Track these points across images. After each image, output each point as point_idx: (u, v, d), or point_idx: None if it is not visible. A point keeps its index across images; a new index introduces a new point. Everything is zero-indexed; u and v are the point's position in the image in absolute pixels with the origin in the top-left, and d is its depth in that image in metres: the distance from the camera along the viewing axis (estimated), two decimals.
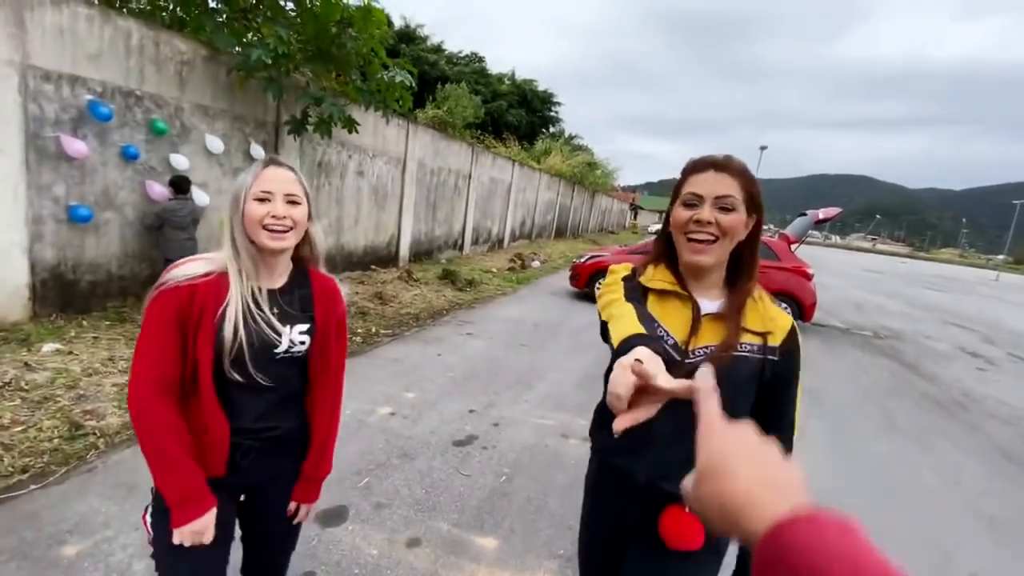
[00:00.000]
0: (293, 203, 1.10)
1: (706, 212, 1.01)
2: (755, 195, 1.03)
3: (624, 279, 1.15)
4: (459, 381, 4.14)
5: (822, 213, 7.53)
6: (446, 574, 2.01)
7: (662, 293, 1.10)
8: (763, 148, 31.22)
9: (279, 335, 1.11)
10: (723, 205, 1.01)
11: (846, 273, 22.56)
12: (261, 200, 1.07)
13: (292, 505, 1.27)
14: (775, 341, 1.06)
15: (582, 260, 8.72)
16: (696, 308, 1.07)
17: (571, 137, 33.85)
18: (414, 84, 6.11)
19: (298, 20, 5.65)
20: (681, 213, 1.05)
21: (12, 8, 3.66)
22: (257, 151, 5.75)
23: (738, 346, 1.03)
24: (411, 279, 7.94)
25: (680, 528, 1.04)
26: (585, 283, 8.42)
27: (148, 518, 1.12)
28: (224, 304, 1.05)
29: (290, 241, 1.11)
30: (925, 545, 2.62)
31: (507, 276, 9.86)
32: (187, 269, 1.05)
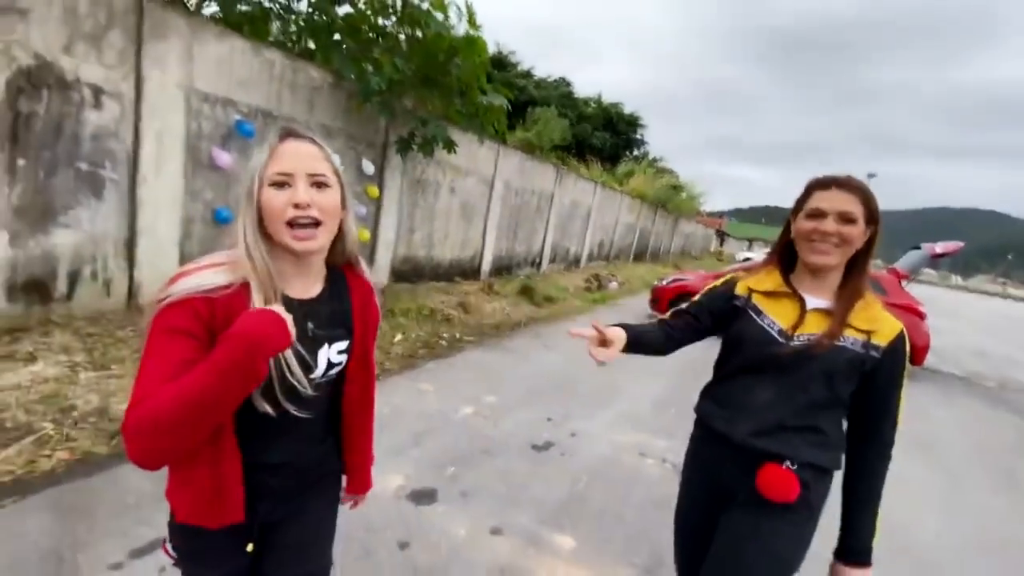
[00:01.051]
0: (320, 185, 0.86)
1: (830, 225, 1.17)
2: (873, 209, 1.19)
3: (724, 282, 1.41)
4: (537, 391, 4.27)
5: (940, 247, 6.89)
6: (526, 564, 2.12)
7: (770, 294, 1.29)
8: (871, 176, 28.91)
9: (315, 359, 0.93)
10: (845, 218, 1.16)
11: (969, 317, 20.09)
12: (279, 185, 0.83)
13: (345, 497, 1.22)
14: (879, 340, 1.17)
15: (664, 283, 8.58)
16: (803, 303, 1.24)
17: (655, 160, 33.35)
18: (509, 108, 6.46)
19: (410, 49, 6.22)
20: (805, 224, 1.21)
21: (185, 41, 4.39)
22: (368, 167, 6.34)
23: (840, 337, 1.17)
24: (491, 292, 8.24)
25: (777, 480, 1.17)
26: (666, 307, 8.26)
27: (168, 546, 1.01)
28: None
29: (321, 240, 0.88)
30: None
31: (584, 296, 9.91)
32: (201, 279, 0.81)
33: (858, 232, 1.17)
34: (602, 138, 30.66)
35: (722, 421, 1.30)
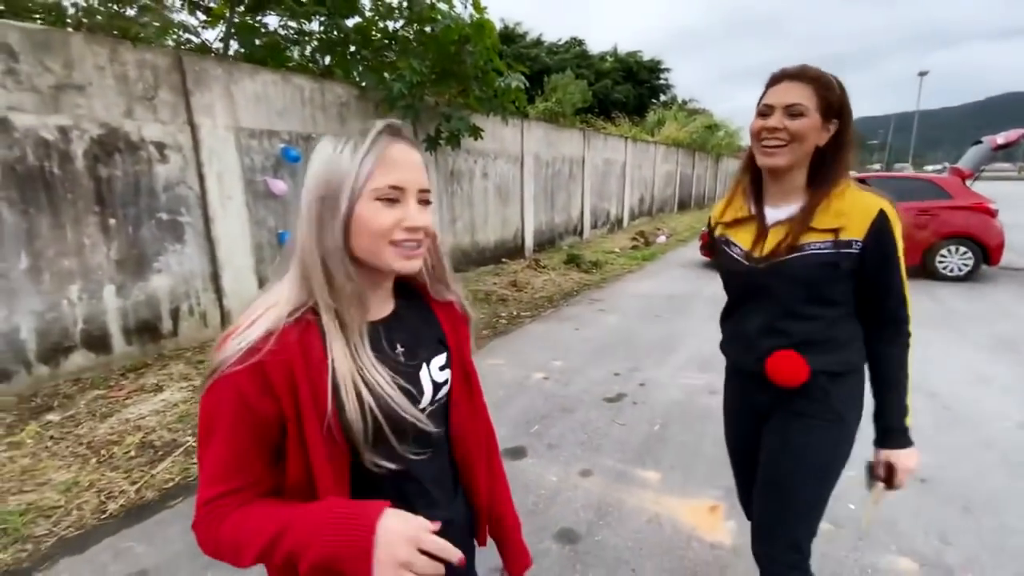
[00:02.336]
0: (426, 203, 0.73)
1: (774, 119, 1.11)
2: (831, 100, 1.10)
3: (707, 228, 1.43)
4: (600, 350, 4.46)
5: (1001, 138, 6.42)
6: (618, 496, 2.35)
7: (734, 223, 1.29)
8: (922, 74, 26.61)
9: (419, 385, 0.76)
10: (792, 112, 1.10)
11: None
12: (390, 201, 0.68)
13: None
14: (851, 235, 1.11)
15: None
16: (760, 221, 1.22)
17: (685, 102, 32.01)
18: (527, 84, 6.52)
19: (422, 47, 6.39)
20: (755, 123, 1.17)
21: (223, 85, 4.77)
22: None
23: (803, 246, 1.13)
24: (539, 267, 8.43)
25: (783, 364, 1.18)
26: None
27: None
28: (328, 371, 0.66)
29: (421, 259, 0.75)
30: None
31: (631, 254, 9.91)
32: (245, 339, 0.66)
33: (810, 125, 1.09)
34: (625, 91, 29.72)
35: (734, 355, 1.36)
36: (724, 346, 1.40)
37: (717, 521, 2.16)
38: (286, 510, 0.65)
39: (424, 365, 0.78)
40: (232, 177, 4.88)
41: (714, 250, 1.38)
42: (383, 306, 0.78)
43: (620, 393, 3.51)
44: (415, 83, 5.54)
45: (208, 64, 4.66)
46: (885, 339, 1.19)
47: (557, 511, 2.26)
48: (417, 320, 0.82)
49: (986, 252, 6.45)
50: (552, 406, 3.33)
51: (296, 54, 7.50)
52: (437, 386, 0.79)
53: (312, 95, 5.55)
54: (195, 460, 2.84)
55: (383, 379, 0.69)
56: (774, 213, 1.21)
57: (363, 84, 5.91)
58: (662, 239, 11.71)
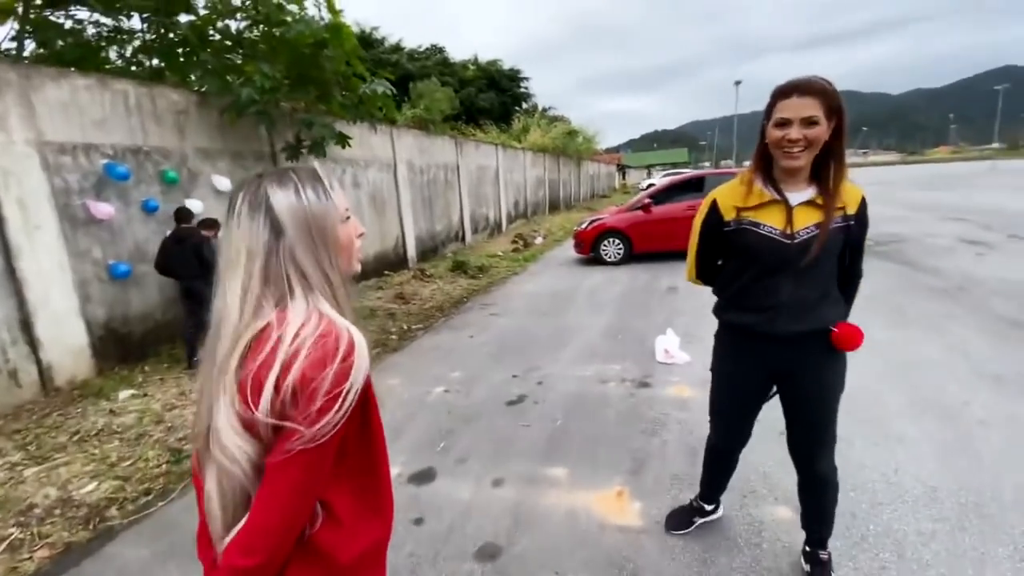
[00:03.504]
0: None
1: (795, 132, 1.35)
2: (833, 105, 1.35)
3: (707, 212, 1.63)
4: (496, 355, 4.47)
5: None
6: (533, 499, 2.35)
7: (758, 207, 1.51)
8: (738, 83, 31.04)
9: None
10: (809, 122, 1.34)
11: None
12: (346, 220, 0.85)
13: None
14: (851, 210, 1.46)
15: (583, 227, 8.98)
16: (787, 204, 1.47)
17: (545, 110, 33.78)
18: (394, 91, 6.34)
19: (272, 51, 5.88)
20: (775, 133, 1.40)
21: (19, 92, 3.92)
22: None
23: (830, 222, 1.43)
24: (425, 276, 8.26)
25: (848, 335, 1.50)
26: (591, 248, 8.69)
27: None
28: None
29: None
30: (938, 404, 2.94)
31: (513, 257, 10.15)
32: (364, 354, 0.76)
33: (822, 131, 1.35)
34: (489, 99, 30.50)
35: (764, 323, 1.56)
36: (746, 319, 1.61)
37: (624, 505, 2.26)
38: None
39: None
40: (39, 202, 4.03)
41: (724, 241, 1.61)
42: None
43: (521, 395, 3.54)
44: (266, 88, 5.07)
45: None
46: (855, 282, 1.62)
47: (474, 528, 2.19)
48: None
49: None
50: (456, 419, 3.25)
51: (114, 55, 6.47)
52: None
53: (140, 102, 4.80)
54: (24, 556, 2.28)
55: None
56: (794, 197, 1.46)
57: (203, 90, 5.26)
58: (539, 240, 12.19)
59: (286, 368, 0.70)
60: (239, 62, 5.83)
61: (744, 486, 2.30)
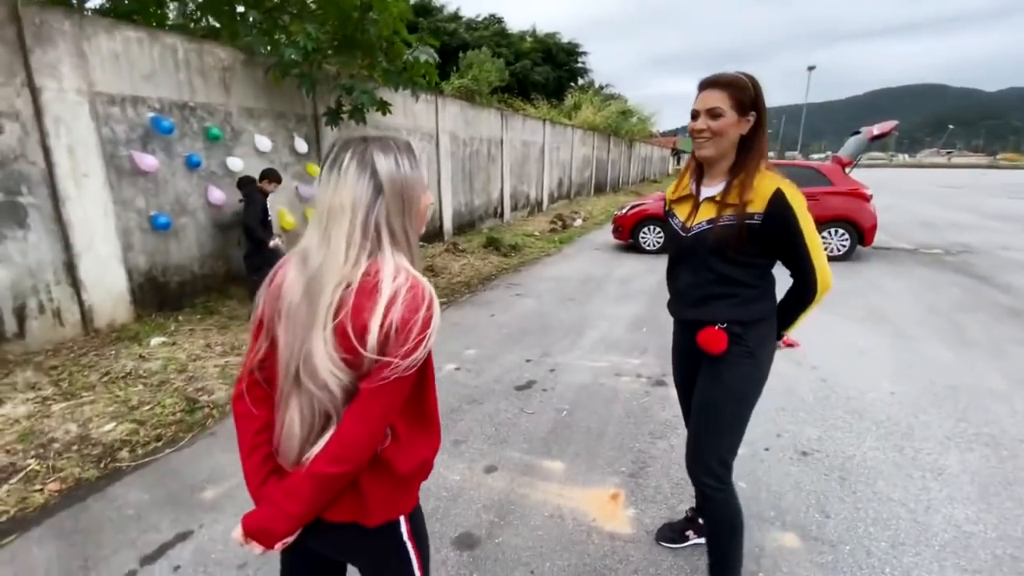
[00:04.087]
0: None
1: (700, 121, 1.40)
2: (743, 99, 1.36)
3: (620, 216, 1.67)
4: (514, 336, 4.38)
5: (876, 129, 7.09)
6: (521, 491, 2.27)
7: (679, 199, 1.60)
8: (811, 69, 29.03)
9: None
10: (712, 114, 1.38)
11: (917, 192, 20.97)
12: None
13: None
14: (755, 208, 1.37)
15: (623, 211, 8.67)
16: (695, 198, 1.51)
17: (602, 87, 32.72)
18: (437, 59, 6.20)
19: (321, 12, 5.84)
20: (690, 124, 1.45)
21: (73, 42, 4.04)
22: (300, 145, 6.09)
23: (717, 218, 1.41)
24: (457, 250, 8.22)
25: (707, 338, 1.48)
26: (629, 234, 8.39)
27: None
28: None
29: None
30: (988, 439, 2.63)
31: (549, 237, 9.96)
32: (430, 292, 0.89)
33: (728, 123, 1.36)
34: (544, 73, 29.80)
35: (672, 308, 1.67)
36: (668, 302, 1.69)
37: (617, 509, 2.15)
38: None
39: None
40: (88, 151, 4.18)
41: (666, 224, 1.66)
42: None
43: (530, 380, 3.45)
44: (310, 50, 5.04)
45: (52, 16, 3.91)
46: (797, 289, 1.48)
47: (458, 514, 2.13)
48: None
49: (861, 234, 7.15)
50: (462, 398, 3.20)
51: (175, 12, 6.61)
52: None
53: (188, 57, 4.88)
54: (36, 488, 2.41)
55: None
56: (706, 191, 1.48)
57: (252, 48, 5.29)
58: (579, 222, 11.91)
59: (387, 312, 0.82)
60: (286, 21, 5.82)
61: (751, 507, 2.13)
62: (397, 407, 0.88)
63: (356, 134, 5.54)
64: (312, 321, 0.85)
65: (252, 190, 4.84)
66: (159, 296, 4.88)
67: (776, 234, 1.38)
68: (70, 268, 4.16)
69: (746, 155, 1.40)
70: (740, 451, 2.29)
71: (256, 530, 0.88)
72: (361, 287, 0.85)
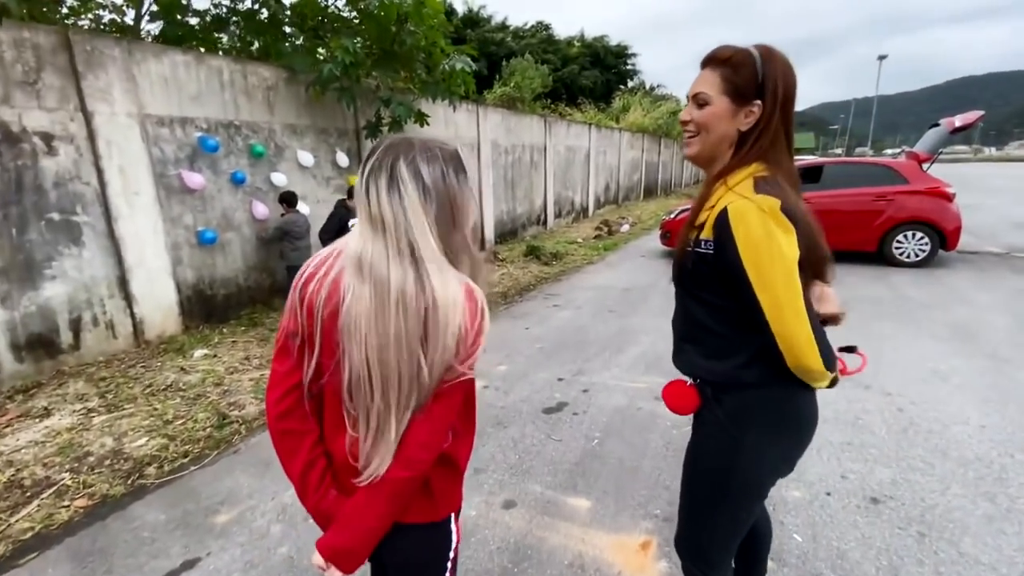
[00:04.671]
0: None
1: (685, 111, 1.10)
2: (740, 82, 1.01)
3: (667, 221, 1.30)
4: (548, 351, 4.17)
5: (959, 120, 6.35)
6: (540, 533, 2.06)
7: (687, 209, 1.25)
8: (881, 58, 27.11)
9: None
10: (698, 101, 1.06)
11: (1007, 189, 18.94)
12: None
13: None
14: (705, 234, 1.02)
15: (672, 216, 8.26)
16: (692, 214, 1.12)
17: (653, 88, 31.92)
18: (474, 67, 6.13)
19: (362, 27, 5.91)
20: None
21: (123, 67, 4.24)
22: (342, 159, 6.18)
23: (688, 241, 1.08)
24: (497, 259, 8.10)
25: (671, 394, 1.18)
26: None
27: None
28: None
29: None
30: None
31: (593, 244, 9.66)
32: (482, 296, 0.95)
33: (713, 113, 1.04)
34: (592, 77, 29.41)
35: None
36: None
37: (647, 562, 1.90)
38: None
39: None
40: (138, 170, 4.37)
41: None
42: None
43: (561, 402, 3.23)
44: (348, 64, 5.08)
45: (101, 43, 4.12)
46: (767, 340, 1.01)
47: (468, 556, 1.96)
48: None
49: (943, 237, 6.41)
50: (487, 420, 3.03)
51: (228, 36, 6.92)
52: None
53: (233, 78, 5.04)
54: (64, 503, 2.45)
55: None
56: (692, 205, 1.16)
57: (293, 66, 5.41)
58: (625, 228, 11.52)
59: (453, 321, 0.85)
60: (326, 38, 5.94)
61: (806, 565, 1.83)
62: (459, 409, 0.94)
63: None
64: (413, 335, 0.84)
65: (338, 206, 5.15)
66: (206, 308, 5.04)
67: (723, 269, 1.00)
68: (122, 283, 4.36)
69: (733, 159, 1.06)
70: (795, 494, 2.00)
71: (337, 552, 0.88)
72: (438, 300, 0.85)
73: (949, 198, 6.43)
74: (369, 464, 0.88)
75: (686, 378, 1.18)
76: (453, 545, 1.04)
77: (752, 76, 1.00)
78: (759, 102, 1.01)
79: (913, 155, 6.88)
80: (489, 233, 9.60)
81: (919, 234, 6.53)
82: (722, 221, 0.97)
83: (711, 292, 1.06)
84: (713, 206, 1.02)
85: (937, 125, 6.75)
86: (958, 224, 6.39)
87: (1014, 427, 2.69)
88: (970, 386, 3.21)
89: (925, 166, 6.74)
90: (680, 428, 2.84)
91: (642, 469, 2.48)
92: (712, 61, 1.04)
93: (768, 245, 0.93)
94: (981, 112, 6.46)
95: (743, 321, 1.03)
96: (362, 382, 0.86)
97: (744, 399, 1.08)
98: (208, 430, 3.12)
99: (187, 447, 2.93)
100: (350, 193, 5.13)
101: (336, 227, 4.95)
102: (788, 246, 0.93)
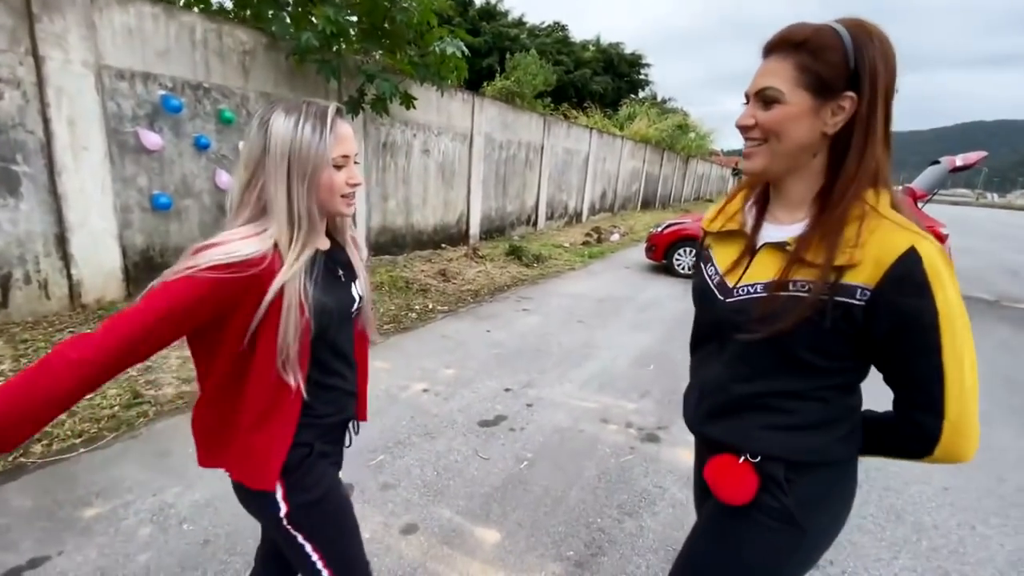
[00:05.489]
0: (357, 163, 1.00)
1: (745, 113, 0.82)
2: (823, 71, 0.74)
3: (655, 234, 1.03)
4: (503, 358, 3.94)
5: (960, 160, 6.17)
6: (434, 567, 1.84)
7: (722, 234, 0.97)
8: None
9: (351, 293, 1.09)
10: (765, 99, 0.79)
11: (1005, 235, 18.87)
12: (339, 167, 0.95)
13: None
14: (861, 278, 0.74)
15: (659, 229, 8.04)
16: (750, 239, 0.89)
17: (663, 100, 31.73)
18: (467, 52, 5.88)
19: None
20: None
21: (83, 13, 3.97)
22: None
23: (788, 283, 0.79)
24: (476, 256, 7.87)
25: (722, 476, 0.88)
26: (663, 254, 7.77)
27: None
28: (289, 281, 0.91)
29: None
30: None
31: (579, 251, 9.44)
32: (231, 250, 0.87)
33: (786, 115, 0.77)
34: (603, 82, 29.20)
35: (686, 412, 1.04)
36: (685, 399, 1.08)
37: None
38: None
39: (352, 283, 1.11)
40: (90, 124, 4.10)
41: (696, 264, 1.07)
42: (324, 242, 1.05)
43: (500, 415, 3.00)
44: (330, 35, 4.82)
45: None
46: (896, 418, 0.85)
47: None
48: (342, 252, 1.11)
49: None
50: (414, 429, 2.80)
51: None
52: (360, 297, 1.12)
53: (206, 37, 4.77)
54: None
55: (332, 286, 1.02)
56: (772, 231, 0.88)
57: (274, 32, 5.15)
58: (616, 237, 11.30)
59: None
60: (312, 4, 5.66)
61: None
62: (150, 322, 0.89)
63: (381, 128, 5.22)
64: None
65: None
66: (154, 276, 4.71)
67: (890, 331, 0.76)
68: (61, 241, 4.09)
69: (845, 174, 0.78)
70: None
71: None
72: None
73: (942, 238, 6.24)
74: None
75: (734, 454, 0.90)
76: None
77: (841, 61, 0.74)
78: (851, 94, 0.75)
79: (910, 191, 6.69)
80: (474, 228, 9.35)
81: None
82: (910, 269, 0.72)
83: (832, 353, 0.80)
84: (861, 241, 0.75)
85: (938, 162, 6.56)
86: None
87: (980, 493, 2.49)
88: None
89: (921, 203, 6.55)
90: (619, 458, 2.62)
91: (566, 501, 2.25)
92: (781, 45, 0.78)
93: (961, 305, 0.75)
94: (984, 153, 6.27)
95: (854, 387, 0.86)
96: None
97: (826, 479, 0.87)
98: (115, 409, 2.88)
99: (85, 425, 2.68)
100: None
101: None
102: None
